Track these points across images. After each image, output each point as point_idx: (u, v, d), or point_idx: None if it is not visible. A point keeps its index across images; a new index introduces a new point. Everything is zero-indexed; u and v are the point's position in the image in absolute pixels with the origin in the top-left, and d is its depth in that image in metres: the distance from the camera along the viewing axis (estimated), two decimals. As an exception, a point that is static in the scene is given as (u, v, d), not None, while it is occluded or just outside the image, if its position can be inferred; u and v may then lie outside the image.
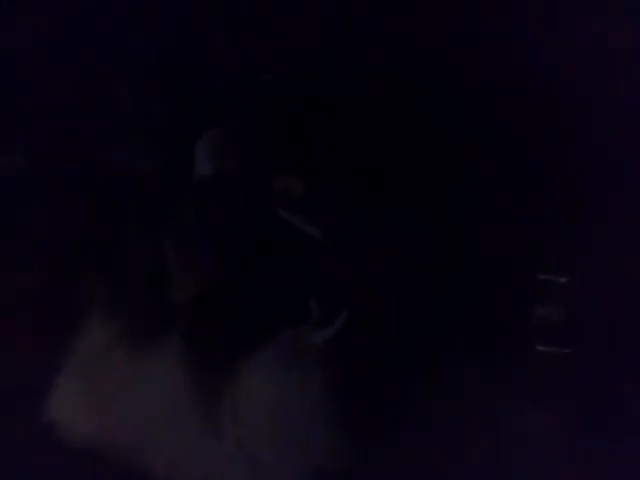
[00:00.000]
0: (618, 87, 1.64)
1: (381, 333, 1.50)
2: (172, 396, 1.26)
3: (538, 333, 1.60)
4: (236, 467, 1.29)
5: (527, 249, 1.66)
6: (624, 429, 1.46)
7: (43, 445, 1.35)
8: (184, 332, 1.26)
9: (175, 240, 1.25)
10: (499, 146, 1.71)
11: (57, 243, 1.67)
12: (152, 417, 1.27)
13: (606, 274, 1.61)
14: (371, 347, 1.47)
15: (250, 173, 1.39)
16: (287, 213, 1.31)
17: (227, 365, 1.25)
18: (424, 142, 1.69)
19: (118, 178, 1.71)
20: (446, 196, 1.68)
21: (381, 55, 1.72)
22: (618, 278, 1.60)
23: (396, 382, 1.51)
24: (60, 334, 1.40)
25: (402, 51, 1.71)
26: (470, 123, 1.70)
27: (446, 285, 1.61)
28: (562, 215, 1.67)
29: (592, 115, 1.65)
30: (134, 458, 1.29)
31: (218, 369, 1.25)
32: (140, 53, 1.79)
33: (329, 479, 1.32)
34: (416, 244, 1.62)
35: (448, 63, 1.71)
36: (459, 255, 1.64)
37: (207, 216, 1.29)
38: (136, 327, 1.29)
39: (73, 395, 1.36)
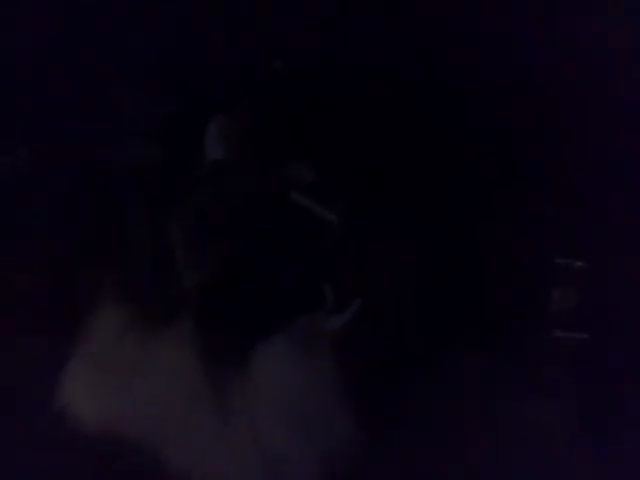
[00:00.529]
0: (618, 87, 1.64)
1: (391, 323, 1.50)
2: (184, 384, 1.25)
3: (554, 320, 1.60)
4: (250, 457, 1.28)
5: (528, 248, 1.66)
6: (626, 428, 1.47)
7: (48, 444, 1.36)
8: (196, 318, 1.25)
9: (185, 226, 1.24)
10: (499, 146, 1.71)
11: (67, 234, 1.67)
12: (164, 406, 1.27)
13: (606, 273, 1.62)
14: (382, 337, 1.47)
15: (260, 158, 1.39)
16: (300, 196, 1.30)
17: (240, 353, 1.24)
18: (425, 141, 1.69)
19: (126, 166, 1.71)
20: (446, 195, 1.68)
21: (381, 55, 1.73)
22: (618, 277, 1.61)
23: (404, 374, 1.51)
24: (72, 321, 1.40)
25: (402, 51, 1.72)
26: (470, 123, 1.71)
27: (449, 283, 1.61)
28: (562, 215, 1.67)
29: (592, 115, 1.65)
30: (146, 448, 1.28)
31: (231, 356, 1.24)
32: (140, 53, 1.79)
33: (341, 469, 1.32)
34: (415, 245, 1.62)
35: (448, 63, 1.71)
36: (460, 255, 1.65)
37: (217, 201, 1.28)
38: (148, 312, 1.28)
39: (85, 382, 1.35)
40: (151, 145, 1.75)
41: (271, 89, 1.72)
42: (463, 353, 1.57)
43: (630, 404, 1.49)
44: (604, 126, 1.64)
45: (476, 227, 1.67)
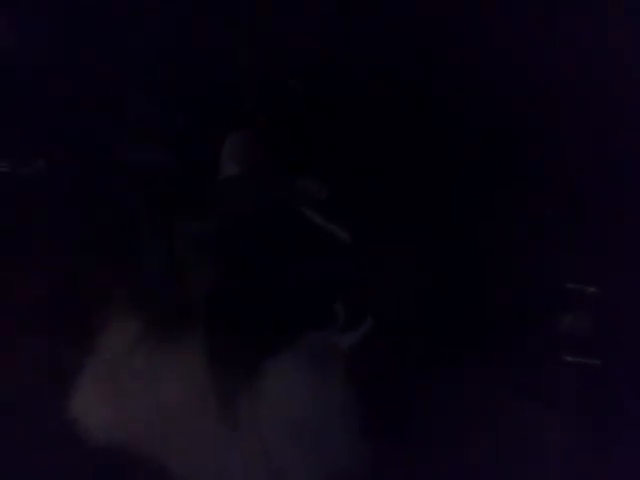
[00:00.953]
0: (618, 87, 1.64)
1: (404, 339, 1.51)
2: (193, 396, 1.27)
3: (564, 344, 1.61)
4: (257, 468, 1.29)
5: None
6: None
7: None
8: (206, 333, 1.27)
9: (197, 241, 1.26)
10: (499, 146, 1.71)
11: (80, 248, 1.68)
12: (173, 417, 1.28)
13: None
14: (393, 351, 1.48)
15: (274, 174, 1.41)
16: (314, 214, 1.32)
17: (250, 367, 1.26)
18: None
19: (137, 181, 1.71)
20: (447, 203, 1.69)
21: (381, 55, 1.73)
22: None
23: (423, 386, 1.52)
24: (84, 335, 1.41)
25: (402, 51, 1.72)
26: (470, 123, 1.71)
27: (452, 288, 1.62)
28: (562, 215, 1.68)
29: (592, 115, 1.66)
30: (154, 458, 1.29)
31: (241, 370, 1.26)
32: (140, 53, 1.79)
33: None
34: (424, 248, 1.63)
35: (448, 63, 1.71)
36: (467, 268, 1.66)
37: (229, 217, 1.30)
38: (158, 325, 1.30)
39: (96, 392, 1.37)
40: (162, 152, 1.75)
41: (271, 89, 1.73)
42: (464, 358, 1.57)
43: (630, 405, 1.49)
44: (604, 126, 1.64)
45: (480, 234, 1.68)
